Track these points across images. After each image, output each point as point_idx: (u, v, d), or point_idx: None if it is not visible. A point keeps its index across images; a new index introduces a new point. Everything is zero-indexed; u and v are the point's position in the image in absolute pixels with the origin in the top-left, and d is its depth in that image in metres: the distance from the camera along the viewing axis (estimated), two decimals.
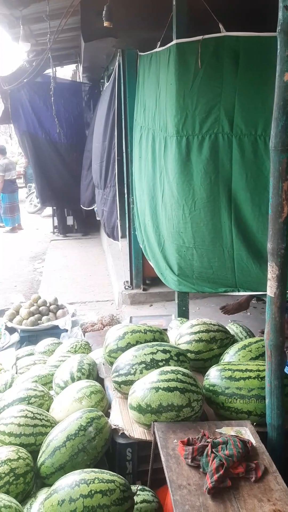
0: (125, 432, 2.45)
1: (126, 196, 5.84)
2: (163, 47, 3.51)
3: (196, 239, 3.41)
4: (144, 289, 6.00)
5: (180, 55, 3.21)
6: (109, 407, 2.75)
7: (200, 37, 3.11)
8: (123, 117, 5.61)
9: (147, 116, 3.98)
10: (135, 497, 2.17)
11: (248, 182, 3.17)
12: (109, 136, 5.81)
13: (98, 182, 6.71)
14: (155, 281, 6.09)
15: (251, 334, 3.36)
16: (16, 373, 3.70)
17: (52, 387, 3.08)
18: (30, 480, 2.28)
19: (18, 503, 2.07)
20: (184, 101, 3.23)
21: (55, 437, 2.36)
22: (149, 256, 4.37)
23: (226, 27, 3.09)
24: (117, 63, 5.44)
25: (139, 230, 4.72)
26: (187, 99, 3.22)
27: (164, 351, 2.70)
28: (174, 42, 3.27)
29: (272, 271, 2.10)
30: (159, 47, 3.72)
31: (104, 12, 3.81)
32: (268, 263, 2.12)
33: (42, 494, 2.23)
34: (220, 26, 3.09)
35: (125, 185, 5.83)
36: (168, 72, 3.34)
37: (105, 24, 3.81)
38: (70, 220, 10.22)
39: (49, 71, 8.28)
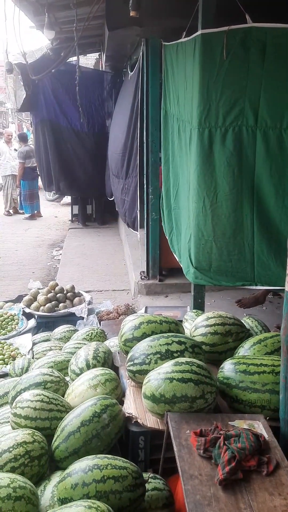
0: (139, 421, 2.48)
1: (145, 186, 5.84)
2: (189, 37, 3.48)
3: (217, 232, 3.40)
4: (160, 280, 6.01)
5: (205, 45, 3.18)
6: (123, 395, 2.78)
7: (226, 28, 3.08)
8: (145, 107, 5.59)
9: (181, 107, 3.96)
10: (146, 485, 2.20)
11: (272, 175, 3.15)
12: (133, 126, 5.82)
13: (119, 172, 6.71)
14: (172, 272, 6.11)
15: (266, 329, 3.35)
16: (33, 358, 3.76)
17: (67, 373, 3.12)
18: (45, 463, 2.33)
19: (32, 485, 2.11)
20: (208, 93, 3.20)
21: (69, 422, 2.40)
22: (174, 248, 4.39)
23: (253, 18, 3.05)
24: (141, 52, 5.41)
25: (166, 221, 4.74)
26: (211, 90, 3.19)
27: (179, 343, 2.71)
28: (199, 32, 3.24)
29: None
30: (184, 37, 3.69)
31: (131, 1, 3.78)
32: None
33: (56, 477, 2.28)
34: (247, 17, 3.05)
35: (144, 176, 5.83)
36: (194, 62, 3.32)
37: (132, 13, 3.78)
38: (88, 209, 10.26)
39: (72, 59, 8.27)
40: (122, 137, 6.36)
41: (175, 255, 4.37)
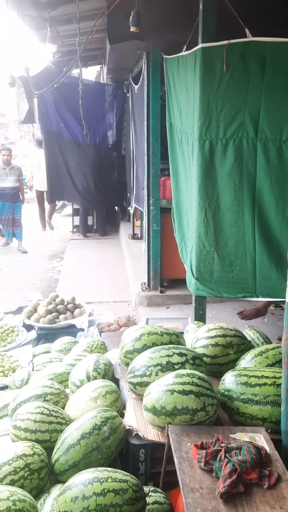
0: (139, 433, 2.46)
1: (146, 198, 5.87)
2: (189, 51, 3.52)
3: (219, 242, 3.42)
4: (161, 291, 6.01)
5: (206, 59, 3.21)
6: (124, 408, 2.76)
7: (226, 42, 3.11)
8: (145, 118, 5.65)
9: (183, 119, 4.00)
10: (147, 498, 2.18)
11: (272, 187, 3.18)
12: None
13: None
14: (173, 284, 6.10)
15: (268, 340, 3.34)
16: (33, 370, 3.74)
17: (67, 385, 3.11)
18: (45, 476, 2.31)
19: (32, 498, 2.10)
20: (209, 105, 3.24)
21: (70, 435, 2.39)
22: (184, 258, 4.40)
23: (253, 32, 3.08)
24: (144, 65, 5.49)
25: (177, 231, 4.77)
26: (211, 103, 3.22)
27: (180, 354, 2.70)
28: (199, 46, 3.28)
29: None
30: (185, 50, 3.73)
31: (131, 17, 3.83)
32: None
33: (56, 490, 2.26)
34: (247, 31, 3.08)
35: (145, 187, 5.86)
36: (194, 75, 3.35)
37: (132, 29, 3.83)
38: (89, 220, 10.28)
39: (74, 72, 8.36)
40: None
41: (185, 266, 4.37)
